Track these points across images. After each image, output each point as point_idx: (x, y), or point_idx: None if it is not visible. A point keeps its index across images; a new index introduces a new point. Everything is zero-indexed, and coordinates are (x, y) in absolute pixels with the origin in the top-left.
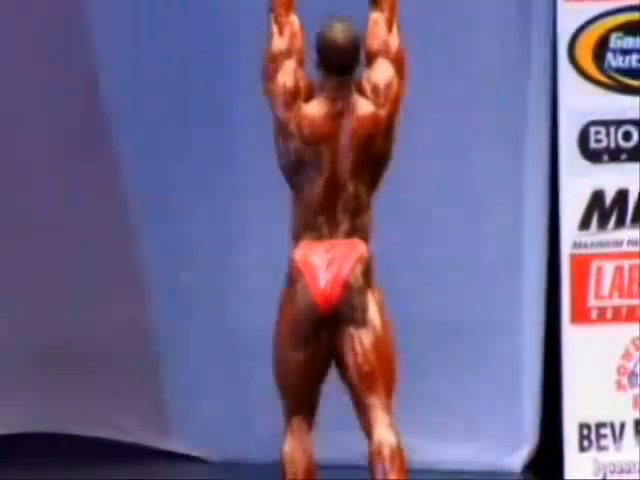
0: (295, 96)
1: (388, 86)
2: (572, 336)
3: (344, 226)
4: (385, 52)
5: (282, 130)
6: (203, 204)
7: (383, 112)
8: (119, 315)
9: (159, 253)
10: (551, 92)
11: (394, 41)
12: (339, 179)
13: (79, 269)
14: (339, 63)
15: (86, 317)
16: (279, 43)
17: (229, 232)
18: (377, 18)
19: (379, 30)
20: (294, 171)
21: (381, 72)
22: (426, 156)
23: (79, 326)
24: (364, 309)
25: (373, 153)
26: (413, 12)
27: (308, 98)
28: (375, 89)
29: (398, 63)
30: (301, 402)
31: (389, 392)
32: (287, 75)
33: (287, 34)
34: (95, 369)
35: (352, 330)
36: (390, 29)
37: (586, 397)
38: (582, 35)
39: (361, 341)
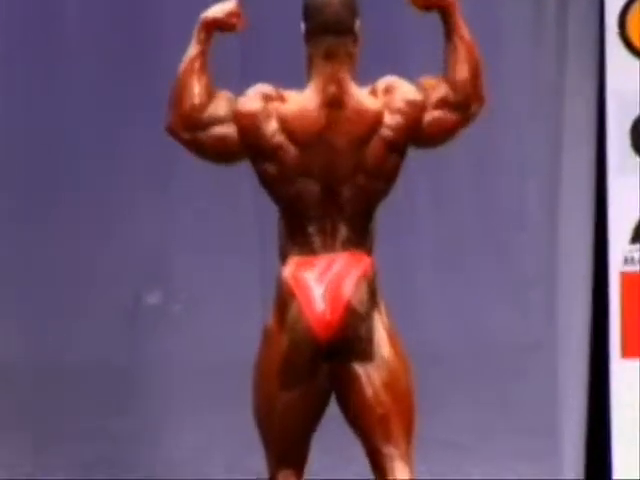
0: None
1: (410, 103)
2: (623, 371)
3: (341, 236)
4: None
5: (269, 161)
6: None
7: (391, 120)
8: (85, 341)
9: (125, 276)
10: (597, 75)
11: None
12: (335, 180)
13: (48, 293)
14: (332, 16)
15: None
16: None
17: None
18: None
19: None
20: (285, 186)
21: (408, 90)
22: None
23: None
24: (371, 339)
25: (370, 163)
26: None
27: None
28: (389, 90)
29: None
30: (290, 452)
31: (408, 437)
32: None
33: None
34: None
35: (358, 367)
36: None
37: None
38: (636, 5)
39: (371, 379)
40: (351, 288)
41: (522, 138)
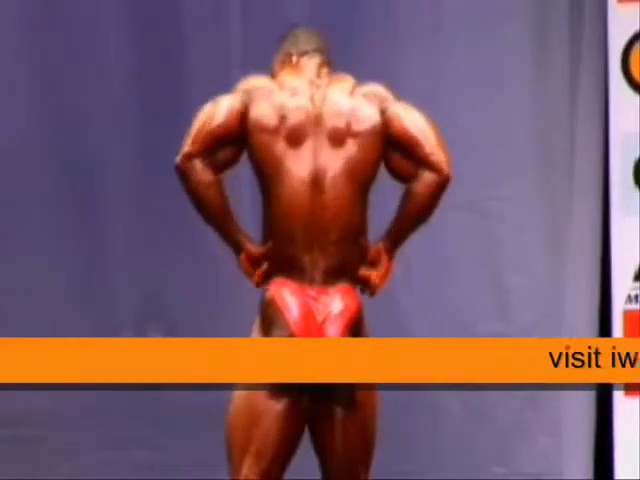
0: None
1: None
2: (626, 409)
3: (329, 258)
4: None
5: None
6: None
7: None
8: None
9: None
10: (602, 113)
11: None
12: (322, 185)
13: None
14: (310, 35)
15: None
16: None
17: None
18: None
19: None
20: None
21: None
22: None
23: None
24: (352, 386)
25: (355, 129)
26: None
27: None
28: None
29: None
30: (268, 474)
31: (367, 474)
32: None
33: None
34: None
35: (338, 411)
36: None
37: None
38: (638, 44)
39: (346, 428)
40: (338, 334)
41: (529, 177)
